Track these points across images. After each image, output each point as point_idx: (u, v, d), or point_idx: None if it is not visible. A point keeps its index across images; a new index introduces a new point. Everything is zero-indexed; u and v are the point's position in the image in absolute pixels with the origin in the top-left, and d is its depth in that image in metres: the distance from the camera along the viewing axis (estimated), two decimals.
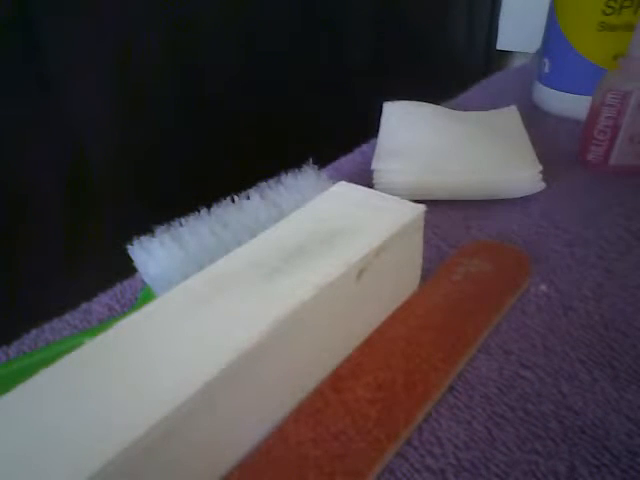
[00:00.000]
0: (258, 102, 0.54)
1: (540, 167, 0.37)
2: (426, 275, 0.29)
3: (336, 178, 0.30)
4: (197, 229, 0.28)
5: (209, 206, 0.29)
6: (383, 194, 0.27)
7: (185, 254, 0.27)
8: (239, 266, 0.23)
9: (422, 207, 0.26)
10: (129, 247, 0.27)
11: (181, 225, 0.28)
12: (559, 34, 0.48)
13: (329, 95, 0.59)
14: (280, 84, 0.55)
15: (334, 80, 0.60)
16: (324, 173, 0.32)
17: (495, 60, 0.83)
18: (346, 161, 0.45)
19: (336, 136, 0.48)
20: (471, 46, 0.80)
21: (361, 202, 0.27)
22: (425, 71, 0.70)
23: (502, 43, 0.81)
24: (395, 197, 0.27)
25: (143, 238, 0.27)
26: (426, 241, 0.28)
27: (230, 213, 0.29)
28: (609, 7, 0.44)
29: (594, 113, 0.39)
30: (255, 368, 0.19)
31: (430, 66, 0.72)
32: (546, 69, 0.51)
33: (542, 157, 0.38)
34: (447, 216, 0.37)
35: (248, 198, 0.31)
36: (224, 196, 0.30)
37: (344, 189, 0.28)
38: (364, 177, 0.39)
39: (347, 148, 0.47)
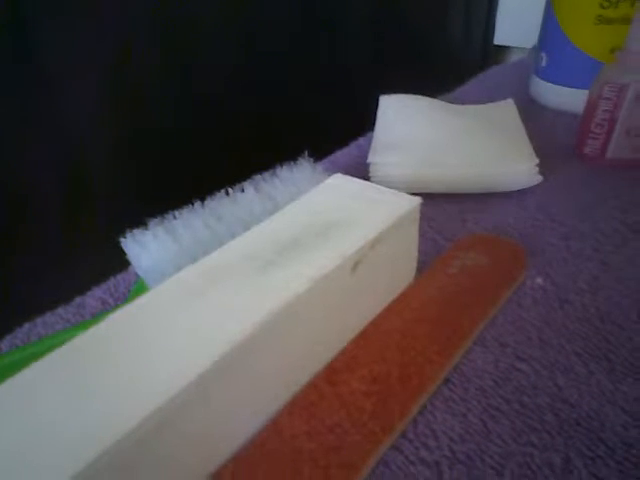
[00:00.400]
0: (256, 98, 0.53)
1: (537, 160, 0.37)
2: (422, 268, 0.29)
3: (332, 171, 0.30)
4: (191, 222, 0.28)
5: (203, 199, 0.29)
6: (379, 186, 0.27)
7: (179, 247, 0.27)
8: (233, 259, 0.22)
9: (418, 199, 0.26)
10: (122, 240, 0.27)
11: (175, 218, 0.28)
12: (556, 28, 0.48)
13: (326, 89, 0.59)
14: (278, 79, 0.55)
15: (332, 74, 0.60)
16: (320, 166, 0.32)
17: (492, 55, 0.83)
18: (342, 154, 0.45)
19: (332, 129, 0.48)
20: (468, 41, 0.79)
21: (356, 194, 0.26)
22: (423, 66, 0.70)
23: (499, 38, 0.81)
24: (391, 189, 0.26)
25: (136, 231, 0.27)
26: (422, 234, 0.28)
27: (224, 206, 0.29)
28: (606, 0, 0.44)
29: (591, 106, 0.39)
30: (249, 361, 0.19)
31: (428, 61, 0.72)
32: (543, 63, 0.51)
33: (539, 150, 0.38)
34: (443, 209, 0.36)
35: (243, 191, 0.30)
36: (218, 189, 0.30)
37: (339, 181, 0.28)
38: (360, 170, 0.38)
39: (343, 141, 0.46)
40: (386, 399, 0.22)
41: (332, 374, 0.23)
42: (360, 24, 0.61)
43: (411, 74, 0.59)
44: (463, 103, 0.49)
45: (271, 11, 0.52)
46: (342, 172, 0.29)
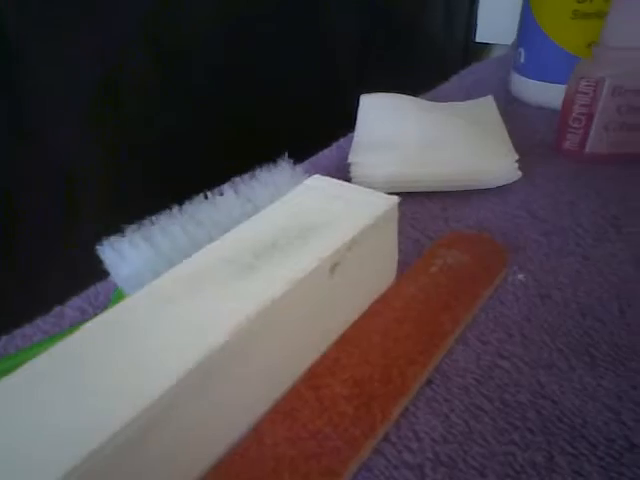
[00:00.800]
0: (234, 99, 0.53)
1: (516, 156, 0.37)
2: (404, 268, 0.29)
3: (313, 173, 0.30)
4: (169, 227, 0.27)
5: (181, 203, 0.29)
6: (357, 186, 0.27)
7: (157, 253, 0.26)
8: (210, 263, 0.22)
9: (395, 199, 0.25)
10: (99, 247, 0.26)
11: (152, 224, 0.28)
12: (533, 23, 0.48)
13: (307, 89, 0.59)
14: (257, 80, 0.55)
15: (312, 75, 0.60)
16: (300, 167, 0.32)
17: (473, 52, 0.83)
18: (323, 155, 0.45)
19: (313, 130, 0.47)
20: (449, 39, 0.80)
21: (335, 195, 0.26)
22: (403, 64, 0.70)
23: (481, 35, 0.81)
24: (369, 189, 0.26)
25: (113, 238, 0.27)
26: (404, 234, 0.28)
27: (203, 210, 0.29)
28: None
29: (569, 101, 0.39)
30: (227, 367, 0.19)
31: (409, 59, 0.72)
32: (522, 59, 0.51)
33: (520, 146, 0.38)
34: (425, 208, 0.36)
35: (222, 194, 0.30)
36: (197, 192, 0.30)
37: (318, 183, 0.28)
38: (342, 171, 0.38)
39: (324, 142, 0.46)
40: (368, 403, 0.22)
41: (314, 378, 0.23)
42: (342, 19, 0.61)
43: (392, 73, 0.59)
44: (444, 100, 0.49)
45: (252, 9, 0.51)
46: (323, 173, 0.29)
